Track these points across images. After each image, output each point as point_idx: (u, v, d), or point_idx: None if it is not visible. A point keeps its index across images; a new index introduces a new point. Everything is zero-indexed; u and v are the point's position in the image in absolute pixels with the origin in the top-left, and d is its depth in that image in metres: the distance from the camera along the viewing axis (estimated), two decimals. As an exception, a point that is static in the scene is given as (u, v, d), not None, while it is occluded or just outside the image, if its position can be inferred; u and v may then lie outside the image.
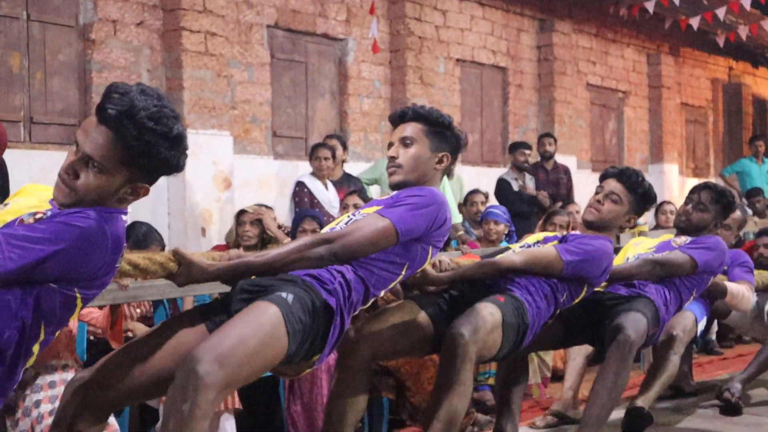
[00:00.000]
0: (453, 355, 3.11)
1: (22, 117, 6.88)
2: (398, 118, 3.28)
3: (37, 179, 6.59)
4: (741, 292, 4.83)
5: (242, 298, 2.73)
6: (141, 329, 4.80)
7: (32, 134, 6.95)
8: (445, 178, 8.24)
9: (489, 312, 3.23)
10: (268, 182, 8.31)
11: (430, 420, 3.08)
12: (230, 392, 2.46)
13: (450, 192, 8.18)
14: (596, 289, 3.96)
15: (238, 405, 4.79)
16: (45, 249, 2.14)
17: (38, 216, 2.29)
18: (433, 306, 3.43)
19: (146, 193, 2.39)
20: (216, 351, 2.38)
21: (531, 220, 8.44)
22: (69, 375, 3.96)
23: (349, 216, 3.16)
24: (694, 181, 13.52)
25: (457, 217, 7.80)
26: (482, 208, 7.63)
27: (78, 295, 2.28)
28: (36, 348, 2.29)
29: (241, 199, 7.52)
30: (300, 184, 7.54)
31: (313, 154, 7.55)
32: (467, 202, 7.96)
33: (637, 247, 4.63)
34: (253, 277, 2.81)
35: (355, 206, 6.68)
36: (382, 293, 3.10)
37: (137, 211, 7.14)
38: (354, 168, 8.36)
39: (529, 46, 11.48)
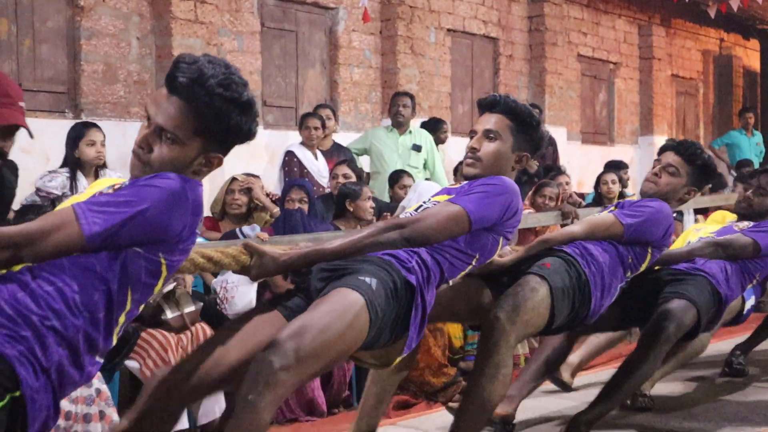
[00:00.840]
0: (489, 338, 3.08)
1: (10, 84, 6.86)
2: (487, 106, 3.21)
3: (26, 146, 6.64)
4: None
5: (322, 277, 2.73)
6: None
7: (21, 102, 6.93)
8: (434, 147, 8.27)
9: (530, 288, 3.17)
10: (257, 151, 8.30)
11: (464, 401, 3.08)
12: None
13: (440, 164, 8.20)
14: (656, 267, 3.93)
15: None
16: (128, 210, 2.16)
17: (116, 187, 2.32)
18: (488, 280, 3.39)
19: (220, 163, 2.41)
20: (296, 344, 2.38)
21: (522, 189, 8.47)
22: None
23: (421, 204, 3.15)
24: (683, 153, 13.56)
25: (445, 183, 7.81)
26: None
27: (163, 260, 2.28)
28: (122, 318, 2.29)
29: (232, 169, 7.52)
30: (290, 154, 7.55)
31: (303, 124, 7.56)
32: (458, 173, 7.98)
33: (698, 232, 4.59)
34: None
35: (345, 176, 6.70)
36: (451, 282, 3.08)
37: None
38: (344, 138, 8.38)
39: (520, 16, 11.47)
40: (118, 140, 7.35)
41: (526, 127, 3.17)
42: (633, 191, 8.72)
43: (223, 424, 2.40)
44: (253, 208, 6.17)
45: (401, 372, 3.40)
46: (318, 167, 7.50)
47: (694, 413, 4.18)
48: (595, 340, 4.90)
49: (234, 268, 2.79)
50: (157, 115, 2.27)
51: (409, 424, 3.79)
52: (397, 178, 7.26)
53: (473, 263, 3.01)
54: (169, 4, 7.51)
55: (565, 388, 4.59)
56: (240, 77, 2.34)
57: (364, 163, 8.08)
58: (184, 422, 4.63)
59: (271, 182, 7.62)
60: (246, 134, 2.38)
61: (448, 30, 10.43)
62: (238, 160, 7.88)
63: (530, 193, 7.64)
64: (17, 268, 2.15)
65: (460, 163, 7.82)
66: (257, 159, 8.15)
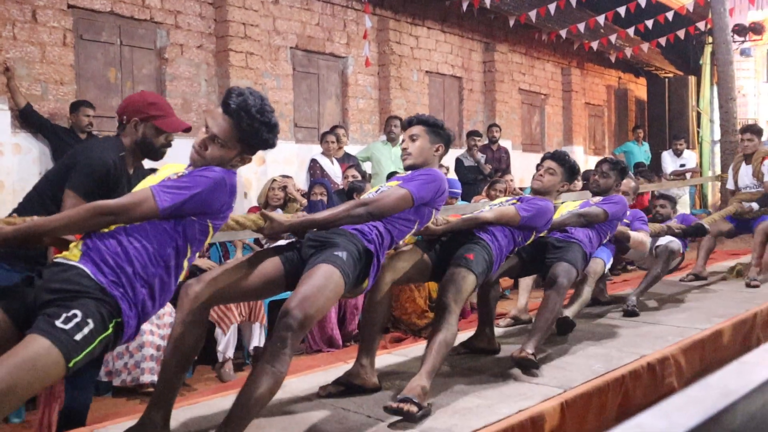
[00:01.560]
0: (443, 312, 3.17)
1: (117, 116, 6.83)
2: (407, 123, 3.34)
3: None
4: (640, 237, 4.94)
5: (310, 245, 2.81)
6: (205, 264, 4.81)
7: (124, 126, 6.90)
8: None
9: (462, 277, 3.26)
10: (290, 160, 8.28)
11: (430, 346, 3.09)
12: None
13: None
14: (541, 235, 4.00)
15: (264, 321, 4.82)
16: (187, 193, 2.33)
17: (179, 174, 2.45)
18: (431, 249, 3.50)
19: (249, 161, 2.57)
20: (302, 309, 2.47)
21: (478, 185, 8.47)
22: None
23: (378, 187, 3.25)
24: (594, 158, 13.56)
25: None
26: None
27: (209, 224, 2.44)
28: (186, 264, 2.44)
29: (272, 172, 7.51)
30: (313, 161, 7.58)
31: (322, 139, 7.58)
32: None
33: (567, 207, 4.67)
34: (314, 230, 2.89)
35: (353, 176, 6.70)
36: (401, 242, 3.25)
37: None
38: (352, 149, 8.36)
39: (477, 61, 11.41)
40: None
41: (434, 128, 3.29)
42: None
43: (254, 369, 2.45)
44: (287, 201, 6.17)
45: (386, 309, 3.45)
46: (334, 170, 7.49)
47: (600, 342, 4.17)
48: (524, 284, 5.16)
49: (253, 229, 2.98)
50: (213, 126, 2.46)
51: (400, 353, 3.78)
52: (390, 176, 7.20)
53: (415, 227, 3.14)
54: (227, 56, 7.48)
55: (527, 322, 4.85)
56: (270, 107, 2.50)
57: (367, 167, 8.06)
58: (230, 351, 4.62)
59: (300, 182, 7.61)
60: (270, 145, 2.55)
61: (427, 71, 10.38)
62: (277, 166, 7.87)
63: (486, 187, 7.64)
64: (113, 227, 2.28)
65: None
66: (290, 165, 8.14)
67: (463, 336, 4.07)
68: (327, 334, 5.17)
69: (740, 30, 12.77)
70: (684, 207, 8.45)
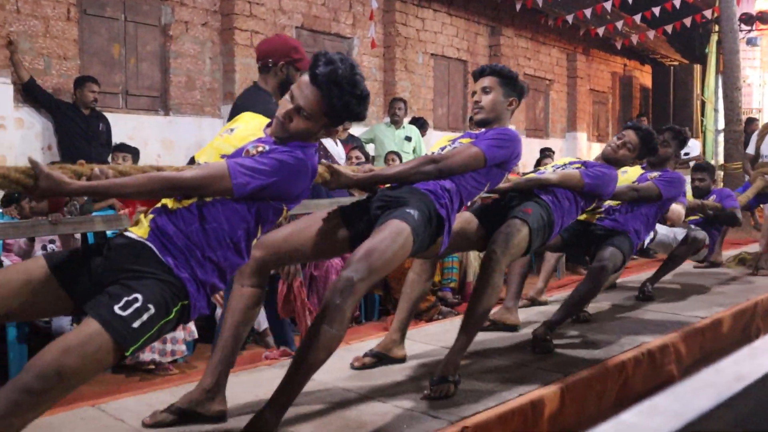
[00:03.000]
0: (489, 264, 3.00)
1: (120, 90, 6.81)
2: (479, 73, 3.12)
3: (131, 134, 6.61)
4: (678, 209, 4.63)
5: (379, 206, 2.68)
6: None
7: (128, 103, 6.88)
8: (421, 138, 8.23)
9: (516, 228, 3.07)
10: (295, 140, 8.26)
11: (468, 313, 2.99)
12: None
13: (424, 150, 8.16)
14: (591, 221, 3.97)
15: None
16: (267, 179, 2.16)
17: (260, 149, 2.28)
18: (483, 217, 3.30)
19: (336, 134, 2.43)
20: (367, 263, 2.35)
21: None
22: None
23: (450, 142, 3.07)
24: (597, 145, 13.54)
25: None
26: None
27: (285, 207, 2.31)
28: (254, 242, 2.32)
29: (276, 152, 7.49)
30: (318, 141, 7.50)
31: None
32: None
33: (628, 176, 4.49)
34: (381, 187, 2.80)
35: (357, 158, 6.67)
36: (469, 203, 3.07)
37: (202, 159, 7.13)
38: (356, 130, 8.31)
39: (483, 45, 11.36)
40: (195, 131, 7.33)
41: (508, 80, 3.09)
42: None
43: (311, 328, 2.36)
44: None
45: (425, 286, 3.43)
46: (338, 151, 7.42)
47: (601, 329, 4.17)
48: (548, 265, 5.00)
49: (318, 182, 2.71)
50: (299, 97, 2.26)
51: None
52: (386, 157, 7.39)
53: (485, 189, 3.00)
54: (232, 34, 7.44)
55: (542, 303, 4.81)
56: (361, 75, 2.30)
57: (370, 148, 8.04)
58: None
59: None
60: (360, 118, 2.38)
61: (432, 54, 10.33)
62: (281, 146, 7.85)
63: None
64: (187, 203, 2.16)
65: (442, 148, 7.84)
66: (295, 145, 8.12)
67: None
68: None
69: (747, 19, 12.68)
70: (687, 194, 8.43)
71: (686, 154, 11.00)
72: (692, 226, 5.43)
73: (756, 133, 7.26)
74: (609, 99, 14.98)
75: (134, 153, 5.68)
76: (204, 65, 7.42)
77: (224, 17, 7.51)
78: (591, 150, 13.26)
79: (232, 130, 2.47)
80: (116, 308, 1.90)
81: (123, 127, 6.52)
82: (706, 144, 13.69)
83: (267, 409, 2.34)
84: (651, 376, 3.69)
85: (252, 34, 7.59)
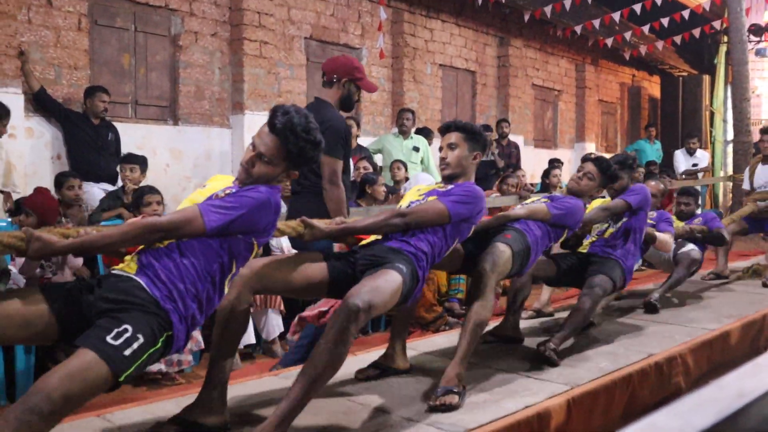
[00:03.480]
0: (479, 283, 3.18)
1: (129, 100, 6.84)
2: (445, 129, 3.31)
3: (140, 144, 6.64)
4: (665, 238, 4.97)
5: (365, 263, 2.85)
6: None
7: (137, 112, 6.92)
8: (428, 148, 8.23)
9: (501, 250, 3.27)
10: (303, 150, 8.29)
11: (465, 327, 3.14)
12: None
13: (433, 162, 8.16)
14: (581, 250, 4.19)
15: (282, 308, 4.81)
16: (234, 213, 2.37)
17: (227, 191, 2.49)
18: (466, 242, 3.41)
19: (296, 176, 2.62)
20: (370, 297, 2.52)
21: (490, 180, 8.43)
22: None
23: (418, 198, 3.23)
24: (607, 156, 13.49)
25: (438, 178, 7.78)
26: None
27: (254, 242, 2.49)
28: (228, 279, 2.48)
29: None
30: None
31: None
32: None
33: (597, 202, 4.58)
34: (361, 239, 3.07)
35: (365, 168, 6.68)
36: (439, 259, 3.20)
37: (212, 167, 7.14)
38: (364, 141, 8.34)
39: (491, 56, 11.37)
40: (204, 141, 7.36)
41: (473, 135, 3.25)
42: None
43: (317, 348, 2.50)
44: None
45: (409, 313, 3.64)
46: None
47: (608, 340, 4.15)
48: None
49: (293, 235, 2.96)
50: (260, 145, 2.49)
51: (408, 346, 3.77)
52: (392, 165, 7.47)
53: (455, 244, 3.17)
54: (241, 44, 7.47)
55: (548, 315, 4.92)
56: (315, 124, 2.53)
57: (378, 159, 8.04)
58: (251, 337, 4.61)
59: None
60: (314, 161, 2.60)
61: (440, 65, 10.34)
62: (290, 156, 7.87)
63: (497, 181, 7.61)
64: (165, 243, 2.35)
65: (411, 202, 7.84)
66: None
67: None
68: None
69: (756, 30, 12.63)
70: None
71: (695, 164, 10.95)
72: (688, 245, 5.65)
73: (747, 168, 7.42)
74: (617, 109, 14.95)
75: (142, 162, 5.68)
76: (213, 75, 7.45)
77: (233, 27, 7.54)
78: (599, 160, 13.23)
79: (204, 186, 2.72)
80: (108, 338, 2.07)
81: (132, 136, 6.55)
82: (715, 155, 13.64)
83: (271, 422, 2.40)
84: (658, 388, 3.67)
85: (261, 45, 7.63)
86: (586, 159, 4.14)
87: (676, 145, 12.46)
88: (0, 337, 2.16)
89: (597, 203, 4.55)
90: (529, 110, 12.05)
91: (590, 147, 13.36)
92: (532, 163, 11.24)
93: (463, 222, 3.09)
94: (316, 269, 2.86)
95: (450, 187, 3.20)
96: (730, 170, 11.66)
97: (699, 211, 6.27)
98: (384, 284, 2.63)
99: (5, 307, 2.12)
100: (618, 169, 4.58)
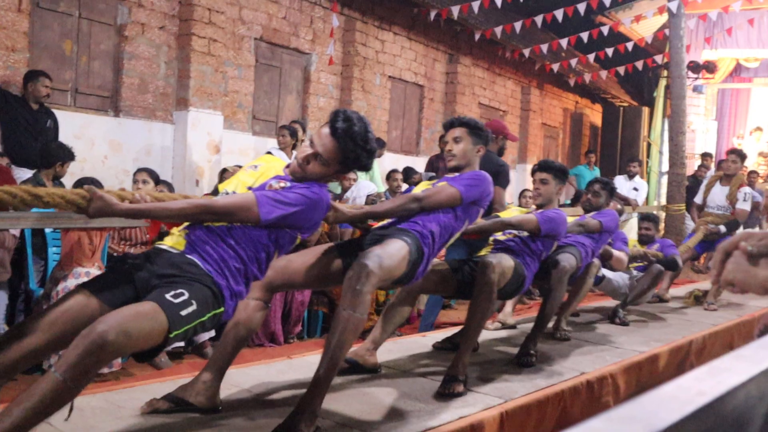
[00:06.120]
0: (483, 287, 3.37)
1: (69, 88, 6.65)
2: (449, 125, 3.49)
3: (78, 133, 6.45)
4: (620, 256, 5.21)
5: (372, 240, 2.98)
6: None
7: (76, 101, 6.72)
8: (376, 162, 8.23)
9: (498, 261, 3.44)
10: (246, 151, 8.19)
11: (470, 318, 3.38)
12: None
13: (378, 171, 8.16)
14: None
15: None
16: (289, 209, 2.44)
17: (282, 184, 2.56)
18: (458, 270, 3.66)
19: (345, 179, 2.71)
20: (378, 259, 2.67)
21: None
22: (93, 273, 3.89)
23: (431, 184, 3.36)
24: (545, 178, 13.75)
25: (381, 188, 7.79)
26: (400, 184, 7.61)
27: (299, 235, 2.59)
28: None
29: (226, 162, 7.40)
30: (269, 153, 7.42)
31: (278, 133, 7.48)
32: (389, 178, 7.94)
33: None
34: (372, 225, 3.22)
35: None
36: (450, 241, 3.28)
37: (152, 162, 6.98)
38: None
39: (440, 72, 11.48)
40: (145, 135, 7.20)
41: (476, 130, 3.44)
42: (509, 200, 8.76)
43: (336, 315, 2.66)
44: (241, 191, 6.06)
45: (405, 313, 3.75)
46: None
47: (543, 357, 4.19)
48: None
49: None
50: (318, 145, 2.57)
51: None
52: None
53: (465, 225, 3.29)
54: (189, 40, 7.35)
55: (511, 327, 5.04)
56: (372, 133, 2.64)
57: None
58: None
59: (255, 174, 7.49)
60: (366, 169, 2.72)
61: (390, 77, 10.39)
62: (232, 156, 7.78)
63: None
64: (216, 224, 2.43)
65: (393, 170, 7.85)
66: (246, 156, 8.06)
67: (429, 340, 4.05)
68: (270, 328, 5.10)
69: (695, 67, 13.08)
70: (631, 233, 8.63)
71: (635, 188, 11.24)
72: (634, 272, 5.88)
73: (704, 182, 7.61)
74: (560, 134, 15.27)
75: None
76: (158, 69, 7.30)
77: (182, 22, 7.41)
78: (539, 183, 13.47)
79: (256, 167, 2.77)
80: (168, 296, 2.14)
81: (70, 125, 6.35)
82: (650, 185, 14.04)
83: (307, 395, 2.58)
84: (589, 406, 3.71)
85: (210, 42, 7.52)
86: (533, 171, 4.29)
87: (614, 173, 12.77)
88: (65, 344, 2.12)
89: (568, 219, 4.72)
90: (473, 128, 12.18)
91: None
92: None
93: (473, 204, 3.24)
94: (329, 259, 2.98)
95: (458, 174, 3.38)
96: (663, 200, 12.00)
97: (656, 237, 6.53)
98: (391, 249, 2.77)
99: (58, 316, 2.14)
100: (600, 188, 5.01)
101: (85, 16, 6.69)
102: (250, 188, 2.63)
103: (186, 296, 2.18)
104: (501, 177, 4.84)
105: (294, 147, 7.44)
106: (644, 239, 6.34)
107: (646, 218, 6.55)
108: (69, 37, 6.60)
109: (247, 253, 2.44)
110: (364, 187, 6.90)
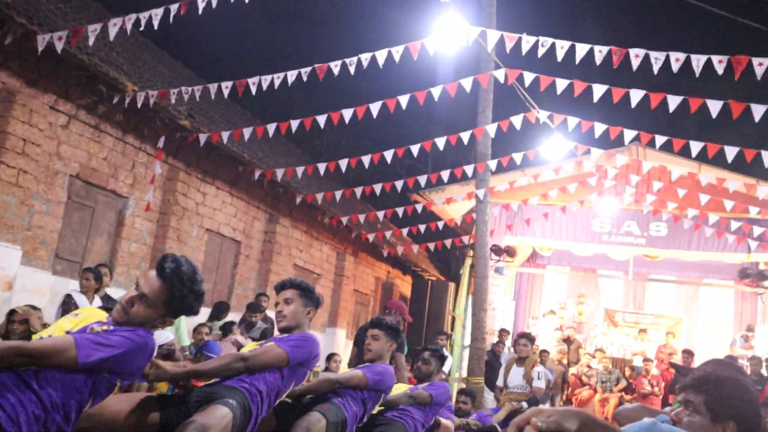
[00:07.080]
0: None
1: None
2: (280, 287, 3.51)
3: None
4: (447, 424, 5.21)
5: (198, 399, 2.89)
6: None
7: None
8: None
9: (316, 418, 3.40)
10: (42, 290, 7.64)
11: None
12: None
13: (184, 324, 7.87)
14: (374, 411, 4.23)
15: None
16: (110, 351, 2.31)
17: (104, 327, 2.43)
18: (285, 419, 3.54)
19: (171, 324, 2.61)
20: (202, 427, 2.62)
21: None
22: None
23: (259, 344, 3.35)
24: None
25: (186, 341, 7.52)
26: (205, 337, 7.38)
27: (118, 383, 2.43)
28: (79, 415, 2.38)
29: (18, 301, 6.85)
30: (68, 296, 6.96)
31: (82, 275, 7.07)
32: (195, 332, 7.66)
33: (400, 387, 4.76)
34: (193, 382, 3.09)
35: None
36: (275, 404, 3.27)
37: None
38: (115, 293, 7.88)
39: (259, 230, 11.58)
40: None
41: (307, 292, 3.49)
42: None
43: None
44: (32, 333, 5.58)
45: None
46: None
47: None
48: None
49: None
50: (144, 285, 2.49)
51: None
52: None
53: (291, 386, 3.30)
54: (-3, 168, 6.97)
55: None
56: (200, 276, 2.58)
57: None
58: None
59: (50, 316, 6.97)
60: (193, 312, 2.60)
61: (207, 229, 10.32)
62: (26, 294, 7.22)
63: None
64: (23, 368, 2.22)
65: (201, 324, 7.60)
66: (41, 296, 7.51)
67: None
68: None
69: (497, 250, 14.10)
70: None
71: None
72: None
73: (503, 366, 8.24)
74: (370, 301, 15.65)
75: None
76: (-45, 194, 6.79)
77: (-8, 149, 7.04)
78: (348, 347, 13.54)
79: (77, 314, 2.63)
80: None
81: None
82: (453, 357, 14.55)
83: None
84: None
85: (19, 172, 7.15)
86: (367, 329, 4.36)
87: (420, 344, 13.13)
88: None
89: (404, 388, 4.76)
90: (288, 289, 12.22)
91: (341, 333, 13.71)
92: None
93: (300, 366, 3.25)
94: (147, 411, 2.83)
95: (286, 335, 3.39)
96: (464, 373, 12.43)
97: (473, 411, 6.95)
98: (213, 420, 2.70)
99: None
100: (430, 356, 5.04)
101: None
102: (68, 332, 2.47)
103: None
104: (401, 346, 5.08)
105: (97, 291, 7.04)
106: (462, 412, 6.65)
107: (463, 392, 6.98)
108: None
109: (52, 399, 2.22)
110: (158, 336, 6.61)
